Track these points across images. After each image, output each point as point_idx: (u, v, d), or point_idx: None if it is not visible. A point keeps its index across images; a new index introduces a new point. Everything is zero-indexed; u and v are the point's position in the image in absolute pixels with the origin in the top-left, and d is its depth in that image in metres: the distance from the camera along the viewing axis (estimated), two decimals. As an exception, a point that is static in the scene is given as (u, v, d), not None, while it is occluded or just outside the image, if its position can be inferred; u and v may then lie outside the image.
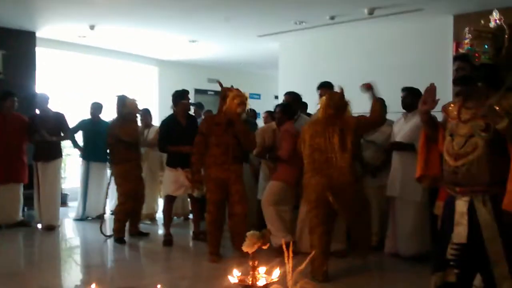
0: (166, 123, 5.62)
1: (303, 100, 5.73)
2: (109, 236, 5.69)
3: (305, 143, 4.14)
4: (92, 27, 7.50)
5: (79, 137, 7.07)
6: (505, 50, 2.58)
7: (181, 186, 5.45)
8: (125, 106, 5.61)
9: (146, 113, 7.00)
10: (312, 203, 4.04)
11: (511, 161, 2.28)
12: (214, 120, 4.83)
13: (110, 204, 7.44)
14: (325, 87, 5.21)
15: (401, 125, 4.86)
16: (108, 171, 7.05)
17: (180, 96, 5.61)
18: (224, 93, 4.84)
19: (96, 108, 7.03)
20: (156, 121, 8.46)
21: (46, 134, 6.24)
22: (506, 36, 2.55)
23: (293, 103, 5.37)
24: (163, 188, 5.97)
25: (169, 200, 5.67)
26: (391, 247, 4.84)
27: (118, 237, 5.52)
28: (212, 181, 4.67)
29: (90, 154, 6.94)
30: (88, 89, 9.03)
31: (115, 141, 5.56)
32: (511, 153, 2.31)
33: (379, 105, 4.17)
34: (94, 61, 9.46)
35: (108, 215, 7.25)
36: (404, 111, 4.92)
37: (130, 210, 5.63)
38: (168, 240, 5.52)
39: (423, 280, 2.69)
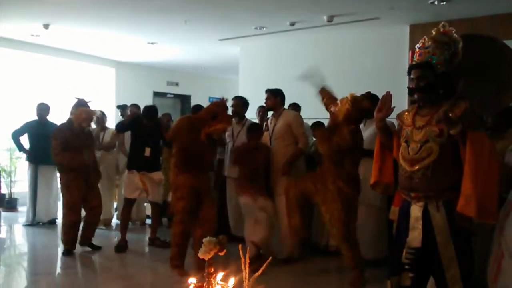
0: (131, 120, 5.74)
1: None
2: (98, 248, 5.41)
3: None
4: (46, 26, 7.25)
5: (25, 139, 6.76)
6: (457, 60, 2.65)
7: (136, 189, 5.41)
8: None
9: (102, 116, 6.81)
10: None
11: (464, 166, 2.34)
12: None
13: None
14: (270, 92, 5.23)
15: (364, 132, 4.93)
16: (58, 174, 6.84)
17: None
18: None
19: (43, 109, 6.76)
20: (112, 123, 8.27)
21: None
22: (459, 46, 2.62)
23: (241, 108, 5.41)
24: (123, 191, 5.85)
25: (127, 203, 5.57)
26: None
27: (65, 249, 5.19)
28: (186, 189, 4.35)
29: (37, 157, 6.65)
30: (40, 90, 8.72)
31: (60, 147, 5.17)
32: (463, 159, 2.37)
33: None
34: (48, 61, 9.14)
35: (60, 220, 7.04)
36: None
37: (76, 222, 5.20)
38: (121, 246, 5.39)
39: (380, 285, 2.72)
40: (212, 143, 4.70)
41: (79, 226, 5.28)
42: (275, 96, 5.09)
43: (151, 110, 5.53)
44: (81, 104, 5.33)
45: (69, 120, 5.26)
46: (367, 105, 4.04)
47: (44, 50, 8.89)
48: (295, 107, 6.07)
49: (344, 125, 4.00)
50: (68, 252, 5.19)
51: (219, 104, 4.47)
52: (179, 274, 4.25)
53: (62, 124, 5.35)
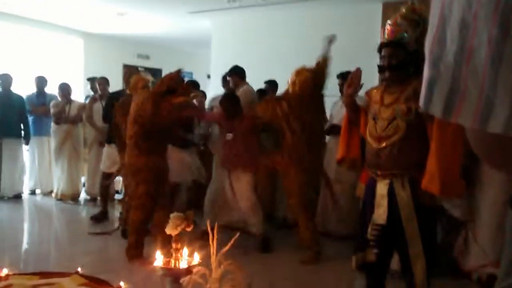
0: (112, 95, 5.63)
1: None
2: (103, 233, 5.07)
3: None
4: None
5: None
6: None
7: (114, 164, 5.35)
8: None
9: (67, 88, 6.64)
10: None
11: (430, 144, 2.38)
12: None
13: (30, 183, 7.08)
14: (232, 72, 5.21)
15: (339, 108, 4.95)
16: (23, 147, 6.69)
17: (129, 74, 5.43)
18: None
19: (7, 80, 6.54)
20: (82, 96, 8.08)
21: None
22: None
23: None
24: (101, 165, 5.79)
25: (104, 177, 5.59)
26: (323, 227, 4.98)
27: None
28: (149, 171, 4.09)
29: (2, 129, 6.47)
30: (5, 60, 8.40)
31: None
32: (429, 137, 2.41)
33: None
34: (12, 30, 8.79)
35: (26, 195, 6.89)
36: (336, 95, 5.04)
37: None
38: (98, 217, 5.46)
39: (349, 259, 2.77)
40: (175, 121, 4.41)
41: None
42: (231, 75, 5.12)
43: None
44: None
45: (121, 91, 5.25)
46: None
47: (8, 18, 8.53)
48: (272, 84, 5.98)
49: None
50: None
51: (173, 77, 4.18)
52: (140, 264, 3.86)
53: (116, 95, 5.25)
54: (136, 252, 4.09)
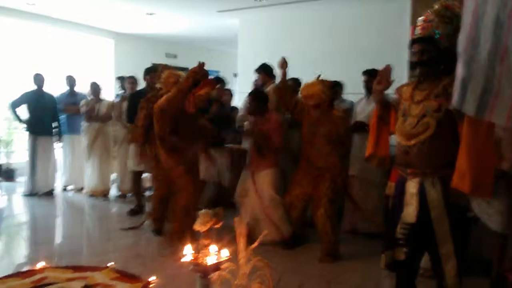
0: (133, 95, 5.79)
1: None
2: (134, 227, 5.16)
3: None
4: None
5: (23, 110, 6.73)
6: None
7: (142, 161, 5.40)
8: None
9: (97, 87, 6.79)
10: None
11: (460, 141, 2.33)
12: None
13: (62, 179, 7.26)
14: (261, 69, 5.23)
15: (364, 106, 4.92)
16: (56, 145, 6.87)
17: (147, 72, 5.65)
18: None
19: (41, 79, 6.73)
20: (112, 95, 8.25)
21: None
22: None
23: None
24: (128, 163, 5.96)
25: (135, 174, 5.82)
26: (349, 225, 4.94)
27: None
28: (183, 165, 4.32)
29: (36, 127, 6.67)
30: (39, 61, 8.63)
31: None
32: (460, 134, 2.36)
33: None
34: (45, 31, 9.02)
35: (58, 191, 7.07)
36: (362, 92, 5.01)
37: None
38: (135, 210, 5.69)
39: (378, 257, 2.75)
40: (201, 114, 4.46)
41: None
42: (259, 73, 5.13)
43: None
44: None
45: (143, 90, 5.39)
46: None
47: (44, 20, 8.76)
48: (295, 81, 5.99)
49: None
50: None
51: (196, 71, 4.18)
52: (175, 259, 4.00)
53: (138, 95, 5.36)
54: (180, 238, 4.05)
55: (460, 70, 1.36)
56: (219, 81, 5.44)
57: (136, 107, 5.17)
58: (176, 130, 4.20)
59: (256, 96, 4.67)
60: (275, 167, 4.56)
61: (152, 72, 5.52)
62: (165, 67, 5.13)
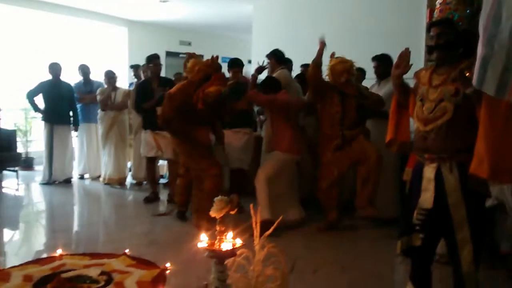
0: (139, 84, 5.94)
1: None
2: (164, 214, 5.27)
3: None
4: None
5: (39, 99, 6.81)
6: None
7: (152, 148, 5.61)
8: None
9: (112, 75, 6.81)
10: None
11: (479, 126, 2.28)
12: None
13: (79, 168, 7.34)
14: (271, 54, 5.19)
15: (375, 91, 4.86)
16: (73, 134, 6.94)
17: (147, 61, 5.72)
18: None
19: (57, 69, 6.77)
20: (126, 83, 8.27)
21: None
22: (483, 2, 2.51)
23: None
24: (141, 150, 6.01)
25: (148, 161, 5.88)
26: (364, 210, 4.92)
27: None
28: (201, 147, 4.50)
29: (53, 116, 6.73)
30: (54, 50, 8.70)
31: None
32: (478, 119, 2.31)
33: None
34: (59, 20, 9.07)
35: (75, 179, 7.16)
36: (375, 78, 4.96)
37: None
38: (150, 197, 5.76)
39: (393, 242, 2.74)
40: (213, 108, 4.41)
41: None
42: (270, 58, 5.12)
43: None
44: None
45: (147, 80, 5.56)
46: None
47: (58, 9, 8.80)
48: (307, 67, 5.94)
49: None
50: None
51: (210, 64, 4.18)
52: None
53: (144, 84, 5.63)
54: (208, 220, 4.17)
55: (480, 49, 1.32)
56: (239, 65, 5.35)
57: (144, 96, 5.32)
58: (182, 117, 4.25)
59: (270, 83, 4.67)
60: (287, 152, 4.54)
61: (154, 59, 5.57)
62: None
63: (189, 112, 4.28)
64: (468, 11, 2.50)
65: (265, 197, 4.40)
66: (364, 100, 4.44)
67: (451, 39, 2.47)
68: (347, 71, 4.39)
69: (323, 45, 4.46)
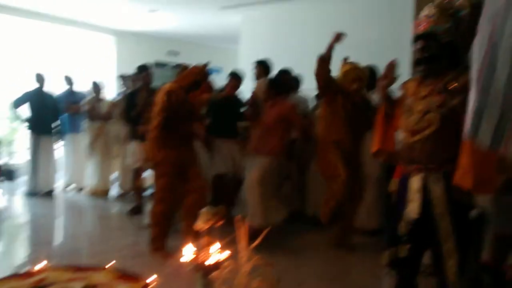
0: (129, 94, 5.92)
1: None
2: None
3: None
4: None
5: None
6: (465, 29, 2.56)
7: (139, 159, 5.56)
8: None
9: (98, 86, 6.79)
10: None
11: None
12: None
13: (65, 178, 7.24)
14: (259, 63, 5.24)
15: None
16: (57, 145, 6.86)
17: (139, 71, 5.75)
18: None
19: (40, 80, 6.72)
20: (115, 93, 8.23)
21: None
22: (464, 14, 2.53)
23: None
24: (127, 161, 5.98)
25: (134, 172, 5.81)
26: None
27: None
28: (168, 165, 4.05)
29: (38, 127, 6.65)
30: (41, 59, 8.62)
31: None
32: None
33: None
34: (46, 29, 8.99)
35: (59, 191, 7.06)
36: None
37: None
38: (134, 209, 5.66)
39: (377, 254, 2.73)
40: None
41: None
42: (257, 65, 5.21)
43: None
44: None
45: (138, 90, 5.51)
46: None
47: (44, 18, 8.74)
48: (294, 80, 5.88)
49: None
50: None
51: (199, 72, 4.10)
52: (162, 257, 3.99)
53: (133, 94, 5.58)
54: (159, 245, 4.14)
55: (473, 99, 1.30)
56: (239, 78, 5.33)
57: (133, 106, 5.29)
58: (170, 126, 4.02)
59: (274, 83, 4.73)
60: (275, 155, 4.49)
61: (146, 70, 5.57)
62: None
63: (177, 120, 4.16)
64: (451, 22, 2.51)
65: (258, 202, 4.34)
66: (368, 111, 4.11)
67: (434, 52, 2.49)
68: (359, 79, 4.21)
69: (338, 38, 4.16)
